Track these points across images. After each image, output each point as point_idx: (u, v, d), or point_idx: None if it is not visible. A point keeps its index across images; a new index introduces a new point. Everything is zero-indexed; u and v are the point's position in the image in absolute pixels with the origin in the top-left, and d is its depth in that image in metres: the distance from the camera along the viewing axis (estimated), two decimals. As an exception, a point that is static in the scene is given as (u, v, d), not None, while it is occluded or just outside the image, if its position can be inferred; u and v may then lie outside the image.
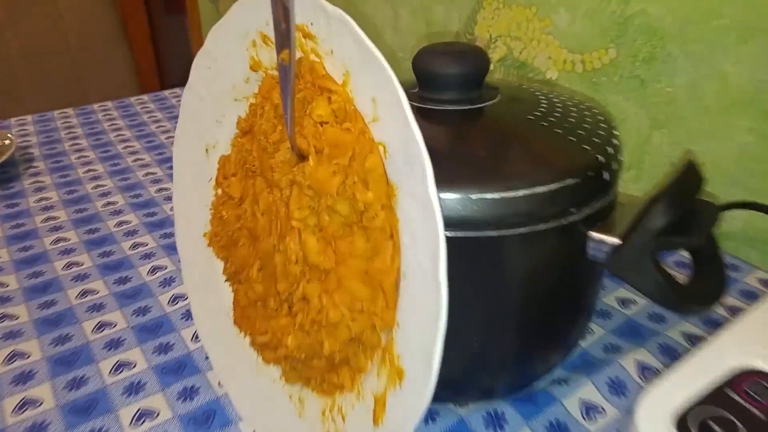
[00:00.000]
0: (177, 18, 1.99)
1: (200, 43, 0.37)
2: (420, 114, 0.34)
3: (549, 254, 0.33)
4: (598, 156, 0.32)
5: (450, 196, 0.29)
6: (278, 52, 0.28)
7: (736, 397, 0.29)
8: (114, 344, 0.43)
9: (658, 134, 0.55)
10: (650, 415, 0.28)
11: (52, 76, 2.06)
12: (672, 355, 0.40)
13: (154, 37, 2.26)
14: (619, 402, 0.37)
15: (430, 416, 0.36)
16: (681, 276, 0.49)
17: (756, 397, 0.29)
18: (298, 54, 0.30)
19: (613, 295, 0.46)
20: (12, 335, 0.44)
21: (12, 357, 0.42)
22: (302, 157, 0.30)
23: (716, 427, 0.28)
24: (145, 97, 0.97)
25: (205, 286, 0.40)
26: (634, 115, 0.56)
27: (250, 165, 0.34)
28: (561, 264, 0.34)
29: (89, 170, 0.71)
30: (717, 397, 0.29)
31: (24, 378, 0.40)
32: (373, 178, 0.26)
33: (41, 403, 0.38)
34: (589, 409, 0.36)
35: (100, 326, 0.45)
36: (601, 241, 0.32)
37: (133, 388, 0.39)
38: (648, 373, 0.39)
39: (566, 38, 0.60)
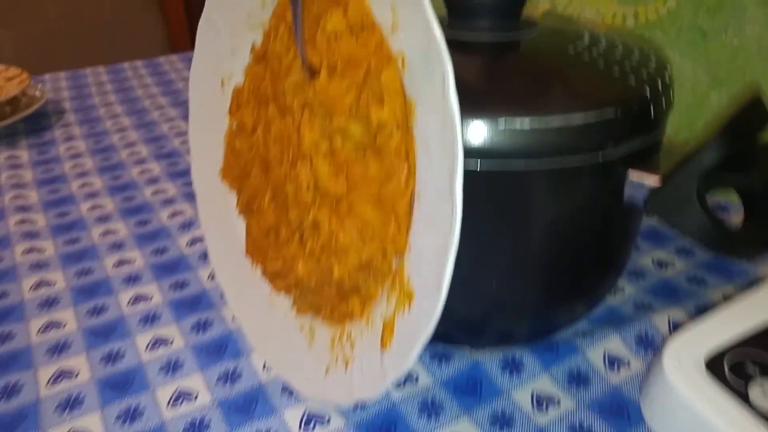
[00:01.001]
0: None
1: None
2: (449, 46, 0.35)
3: (581, 193, 0.33)
4: (644, 89, 0.32)
5: (476, 122, 0.29)
6: None
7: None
8: (132, 279, 0.46)
9: (716, 93, 0.55)
10: (679, 354, 0.29)
11: (86, 36, 2.17)
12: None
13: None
14: (646, 356, 0.38)
15: (444, 357, 0.38)
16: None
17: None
18: None
19: (649, 256, 0.47)
20: (38, 266, 0.48)
21: (38, 285, 0.46)
22: (314, 75, 0.31)
23: (753, 368, 0.28)
24: (174, 57, 1.01)
25: (220, 223, 0.43)
26: (692, 72, 0.56)
27: (263, 92, 0.36)
28: (594, 206, 0.34)
29: (116, 123, 0.76)
30: (760, 339, 0.30)
31: (48, 302, 0.44)
32: (389, 94, 0.28)
33: (65, 325, 0.42)
34: (613, 361, 0.37)
35: (120, 263, 0.48)
36: (641, 182, 0.32)
37: (149, 318, 0.42)
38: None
39: (619, -8, 0.60)
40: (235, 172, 0.39)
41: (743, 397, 0.27)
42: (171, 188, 0.59)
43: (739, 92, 0.53)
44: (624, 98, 0.32)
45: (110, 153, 0.67)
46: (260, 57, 0.37)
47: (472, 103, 0.29)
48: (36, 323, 0.42)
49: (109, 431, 0.34)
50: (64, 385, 0.37)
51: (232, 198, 0.41)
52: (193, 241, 0.50)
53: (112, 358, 0.39)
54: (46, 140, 0.71)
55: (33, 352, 0.39)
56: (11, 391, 0.37)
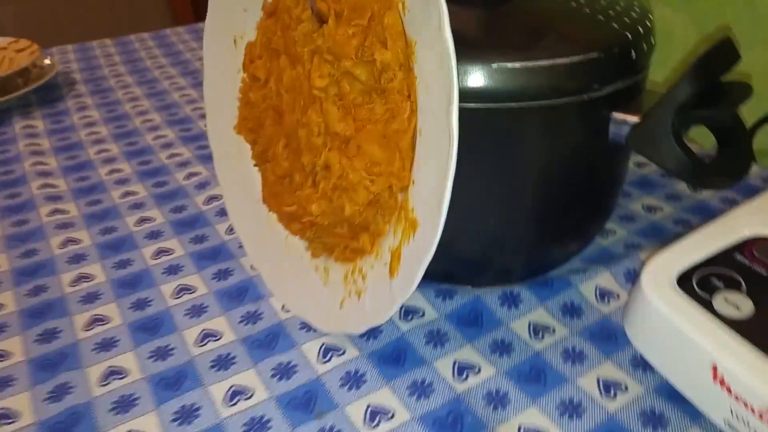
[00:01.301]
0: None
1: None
2: None
3: (569, 132, 0.36)
4: (627, 33, 0.35)
5: (471, 66, 0.32)
6: None
7: (742, 259, 0.33)
8: (154, 235, 0.49)
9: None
10: (654, 273, 0.32)
11: (88, 9, 2.18)
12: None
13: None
14: (633, 289, 0.41)
15: (447, 295, 0.41)
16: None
17: (763, 258, 0.32)
18: None
19: (639, 202, 0.50)
20: (64, 226, 0.51)
21: (66, 243, 0.49)
22: (322, 23, 0.34)
23: (717, 282, 0.31)
24: (180, 29, 1.03)
25: (236, 176, 0.45)
26: (682, 28, 0.59)
27: (274, 45, 0.39)
28: (581, 144, 0.37)
29: (128, 93, 0.78)
30: (724, 258, 0.33)
31: (77, 257, 0.47)
32: (391, 36, 0.30)
33: (95, 278, 0.45)
34: (604, 294, 0.40)
35: (141, 221, 0.51)
36: (624, 121, 0.35)
37: (173, 270, 0.45)
38: (667, 268, 0.42)
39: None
40: (250, 124, 0.42)
41: (709, 307, 0.30)
42: (186, 152, 0.62)
43: (711, 34, 0.56)
44: (607, 42, 0.34)
45: (124, 121, 0.70)
46: (271, 12, 0.39)
47: (469, 50, 0.32)
48: (67, 277, 0.45)
49: (143, 366, 0.37)
50: (98, 330, 0.40)
51: (247, 151, 0.44)
52: (210, 200, 0.53)
53: (140, 305, 0.42)
54: (59, 110, 0.73)
55: (67, 301, 0.43)
56: (51, 335, 0.40)
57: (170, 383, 0.36)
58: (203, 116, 0.70)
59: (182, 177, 0.57)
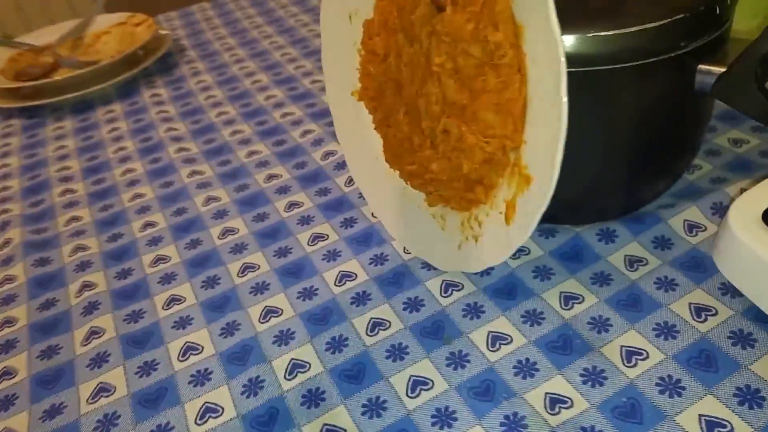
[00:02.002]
0: None
1: None
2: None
3: (659, 86, 0.39)
4: None
5: (569, 35, 0.36)
6: None
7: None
8: (283, 190, 0.56)
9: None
10: (741, 211, 0.36)
11: None
12: (778, 184, 0.47)
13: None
14: (720, 221, 0.44)
15: (550, 233, 0.45)
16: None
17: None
18: None
19: (725, 136, 0.52)
20: (203, 185, 0.58)
21: (208, 201, 0.56)
22: (440, 9, 0.38)
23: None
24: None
25: (356, 136, 0.51)
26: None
27: (392, 24, 0.43)
28: (670, 96, 0.40)
29: (233, 55, 0.84)
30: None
31: (220, 213, 0.54)
32: (502, 20, 0.34)
33: (237, 231, 0.52)
34: (692, 227, 0.44)
35: (269, 177, 0.58)
36: (709, 72, 0.38)
37: (305, 220, 0.52)
38: (753, 200, 0.45)
39: None
40: (371, 93, 0.47)
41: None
42: (297, 110, 0.68)
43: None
44: (693, 2, 0.37)
45: (235, 83, 0.76)
46: None
47: (565, 20, 0.35)
48: (215, 230, 0.52)
49: (294, 306, 0.44)
50: (250, 276, 0.47)
51: (364, 114, 0.49)
52: (326, 155, 0.59)
53: (283, 252, 0.49)
54: (177, 77, 0.80)
55: (172, 234, 0.50)
56: (126, 274, 0.47)
57: (318, 318, 0.43)
58: (306, 74, 0.75)
59: (298, 135, 0.63)
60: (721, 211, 0.45)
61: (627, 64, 0.37)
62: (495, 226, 0.39)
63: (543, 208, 0.34)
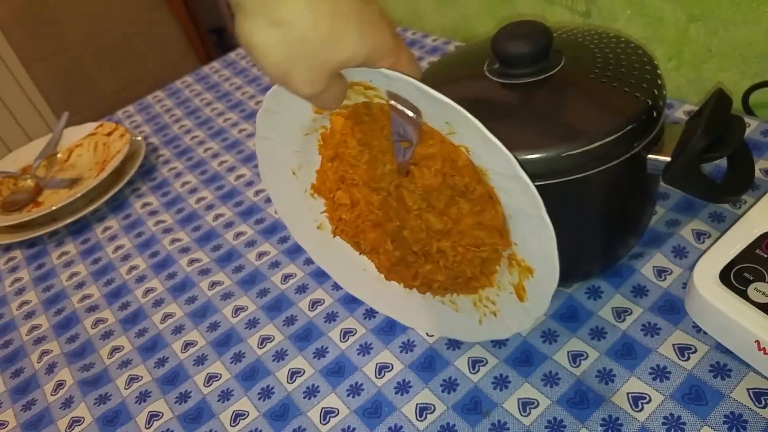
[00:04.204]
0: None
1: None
2: (503, 87, 0.48)
3: (621, 178, 0.47)
4: (649, 101, 0.45)
5: (543, 156, 0.43)
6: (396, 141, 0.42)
7: (761, 252, 0.45)
8: (302, 289, 0.63)
9: (694, 27, 0.67)
10: (702, 273, 0.45)
11: (108, 54, 2.23)
12: (719, 219, 0.56)
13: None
14: (682, 263, 0.53)
15: (547, 298, 0.54)
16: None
17: (775, 251, 0.45)
18: (363, 99, 0.43)
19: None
20: (204, 271, 0.64)
21: (213, 284, 0.62)
22: (407, 173, 0.44)
23: (748, 275, 0.44)
24: (215, 64, 1.12)
25: (343, 264, 0.57)
26: (671, 12, 0.68)
27: (349, 178, 0.49)
28: (629, 182, 0.49)
29: (207, 149, 0.89)
30: (748, 254, 0.45)
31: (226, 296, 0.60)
32: (467, 169, 0.41)
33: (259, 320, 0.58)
34: (661, 272, 0.53)
35: (285, 277, 0.64)
36: (657, 160, 0.46)
37: (330, 317, 0.59)
38: (703, 237, 0.55)
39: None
40: (350, 233, 0.52)
41: (744, 295, 0.43)
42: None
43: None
44: (638, 112, 0.45)
45: (220, 181, 0.82)
46: (332, 157, 0.49)
47: (538, 145, 0.43)
48: (227, 309, 0.59)
49: (346, 403, 0.51)
50: (300, 381, 0.54)
51: (334, 241, 0.55)
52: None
53: (321, 353, 0.56)
54: (160, 181, 0.85)
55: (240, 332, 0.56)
56: (185, 397, 0.54)
57: (371, 412, 0.50)
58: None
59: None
60: (681, 254, 0.54)
61: (595, 170, 0.45)
62: (510, 303, 0.46)
63: (553, 288, 0.42)
